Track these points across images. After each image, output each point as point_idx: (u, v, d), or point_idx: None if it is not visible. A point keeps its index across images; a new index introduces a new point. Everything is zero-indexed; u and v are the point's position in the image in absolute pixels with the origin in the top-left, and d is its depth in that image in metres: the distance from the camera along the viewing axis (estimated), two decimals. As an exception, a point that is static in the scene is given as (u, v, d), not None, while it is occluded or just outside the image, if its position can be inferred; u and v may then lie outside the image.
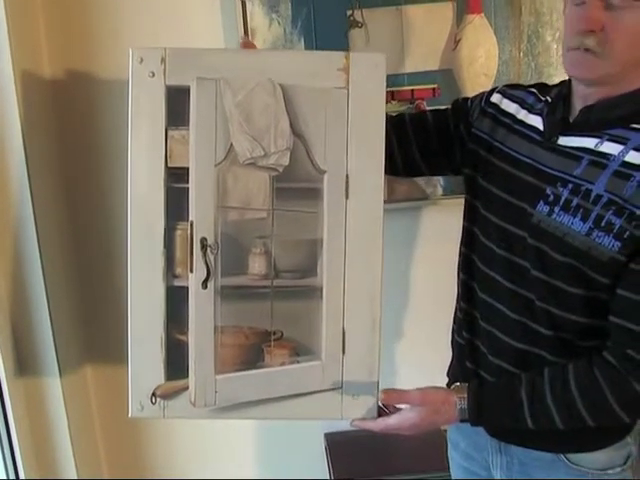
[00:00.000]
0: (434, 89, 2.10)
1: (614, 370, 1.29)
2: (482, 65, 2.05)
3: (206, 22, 2.02)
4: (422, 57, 2.10)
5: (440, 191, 2.18)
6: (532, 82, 1.78)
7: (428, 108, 1.93)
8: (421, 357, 1.60)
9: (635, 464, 1.48)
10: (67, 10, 2.00)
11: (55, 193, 2.08)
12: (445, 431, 1.74)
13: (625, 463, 1.47)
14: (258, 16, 2.01)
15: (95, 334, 2.22)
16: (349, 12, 2.05)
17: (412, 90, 2.10)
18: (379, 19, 2.06)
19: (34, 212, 1.86)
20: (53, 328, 1.92)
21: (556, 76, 2.01)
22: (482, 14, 2.04)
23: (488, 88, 1.62)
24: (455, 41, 2.07)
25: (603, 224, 1.27)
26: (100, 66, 2.04)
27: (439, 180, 2.16)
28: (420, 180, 2.16)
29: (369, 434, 2.30)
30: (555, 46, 2.08)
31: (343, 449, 2.33)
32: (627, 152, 1.28)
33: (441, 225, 2.18)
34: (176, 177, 1.33)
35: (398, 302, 2.29)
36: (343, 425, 2.35)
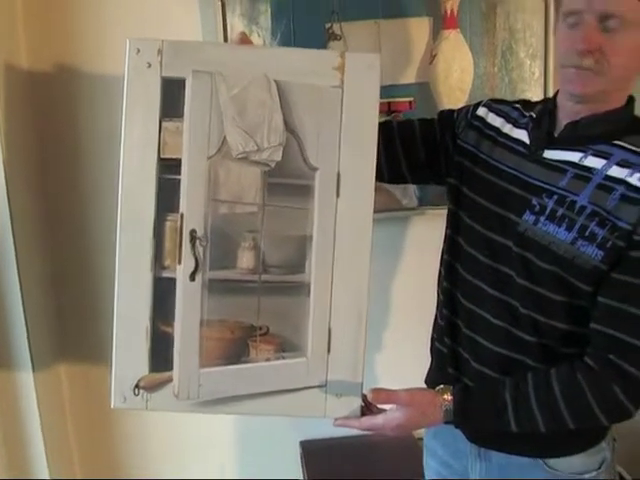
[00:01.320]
0: (410, 102, 2.14)
1: (596, 374, 1.32)
2: (457, 79, 2.10)
3: (187, 33, 2.04)
4: (399, 70, 2.15)
5: (416, 202, 2.21)
6: (506, 96, 1.84)
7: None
8: (401, 365, 1.62)
9: (609, 469, 1.51)
10: (46, 4, 2.00)
11: (32, 187, 2.07)
12: (420, 439, 1.75)
13: (600, 467, 1.50)
14: (238, 28, 2.04)
15: (70, 330, 2.19)
16: (328, 25, 2.09)
17: (389, 102, 2.14)
18: (357, 32, 2.10)
19: (9, 204, 1.85)
20: (27, 323, 1.89)
21: (529, 91, 2.08)
22: (458, 30, 2.10)
23: (463, 102, 1.66)
24: (431, 55, 2.12)
25: (587, 234, 1.31)
26: (80, 60, 2.04)
27: (415, 191, 2.19)
28: (396, 191, 2.18)
29: (344, 442, 2.32)
30: (528, 62, 2.14)
31: (318, 457, 2.34)
32: (610, 166, 1.33)
33: (419, 235, 2.22)
34: (168, 168, 1.33)
35: (378, 311, 2.32)
36: (318, 433, 2.38)
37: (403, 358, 1.73)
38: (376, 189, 2.11)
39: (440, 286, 1.62)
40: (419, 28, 2.13)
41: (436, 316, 1.65)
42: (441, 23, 2.10)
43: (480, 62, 2.15)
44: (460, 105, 1.69)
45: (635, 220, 1.27)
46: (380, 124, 1.58)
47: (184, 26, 2.05)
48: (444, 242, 1.61)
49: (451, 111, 1.65)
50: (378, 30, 2.11)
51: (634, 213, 1.27)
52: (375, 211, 2.14)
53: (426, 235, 1.65)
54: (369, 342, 2.23)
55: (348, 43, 2.08)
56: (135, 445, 2.33)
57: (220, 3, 2.02)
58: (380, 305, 2.32)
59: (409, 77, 2.15)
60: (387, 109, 2.12)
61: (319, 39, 2.08)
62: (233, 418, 2.38)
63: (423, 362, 1.67)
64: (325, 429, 2.36)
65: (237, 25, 2.03)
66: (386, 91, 2.12)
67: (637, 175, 1.30)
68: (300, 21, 2.07)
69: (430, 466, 1.72)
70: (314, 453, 2.35)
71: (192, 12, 2.07)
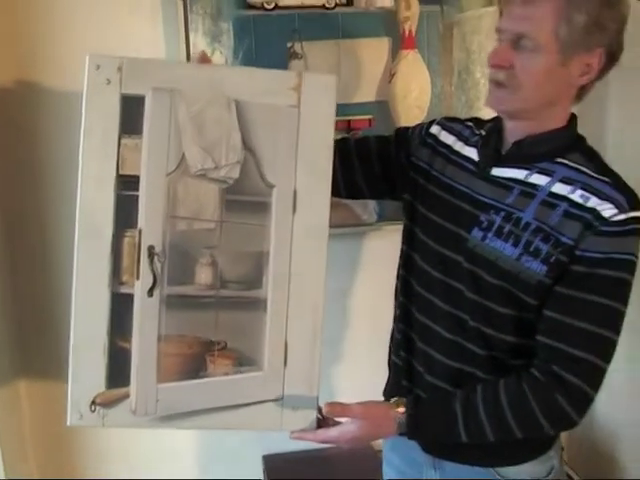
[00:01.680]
0: (370, 120, 2.18)
1: (541, 385, 1.36)
2: (416, 98, 2.15)
3: (150, 51, 2.06)
4: (359, 89, 2.19)
5: (375, 218, 2.25)
6: (463, 115, 1.88)
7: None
8: (360, 378, 1.65)
9: (557, 476, 1.55)
10: (6, 19, 2.01)
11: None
12: (380, 451, 1.77)
13: (548, 475, 1.53)
14: (201, 46, 2.06)
15: (30, 346, 2.18)
16: (289, 44, 2.12)
17: (349, 120, 2.17)
18: (318, 52, 2.14)
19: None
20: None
21: (485, 109, 2.10)
22: (416, 50, 2.15)
23: (421, 120, 1.70)
24: (390, 75, 2.16)
25: (532, 249, 1.35)
26: (40, 75, 2.05)
27: (375, 207, 2.22)
28: (356, 207, 2.21)
29: (307, 456, 2.33)
30: (483, 81, 2.19)
31: (281, 471, 2.36)
32: (553, 184, 1.37)
33: (379, 250, 2.25)
34: (127, 184, 1.33)
35: (338, 325, 2.34)
36: (281, 447, 2.38)
37: (362, 371, 1.75)
38: (337, 205, 2.18)
39: (396, 300, 1.65)
40: (378, 48, 2.18)
41: (393, 330, 1.68)
42: (400, 43, 2.15)
43: (437, 81, 2.20)
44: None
45: (577, 236, 1.32)
46: (338, 141, 1.62)
47: (148, 44, 2.07)
48: (400, 257, 1.63)
49: (406, 129, 1.68)
50: (338, 50, 2.16)
51: (576, 229, 1.32)
52: (336, 226, 2.17)
53: (386, 250, 1.68)
54: (329, 356, 2.27)
55: (309, 62, 2.12)
56: (96, 462, 2.32)
57: (183, 22, 2.04)
58: (339, 319, 2.34)
59: (369, 95, 2.19)
60: (347, 126, 2.15)
61: (281, 58, 2.11)
62: (195, 433, 2.38)
63: (382, 375, 1.69)
64: (288, 443, 2.32)
65: (200, 43, 2.05)
66: (346, 109, 2.16)
67: (579, 192, 1.34)
68: (262, 40, 2.10)
69: (388, 477, 1.74)
70: (277, 467, 2.37)
71: (156, 30, 2.09)
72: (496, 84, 1.36)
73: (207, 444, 2.39)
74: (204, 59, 1.47)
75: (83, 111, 1.32)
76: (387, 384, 1.70)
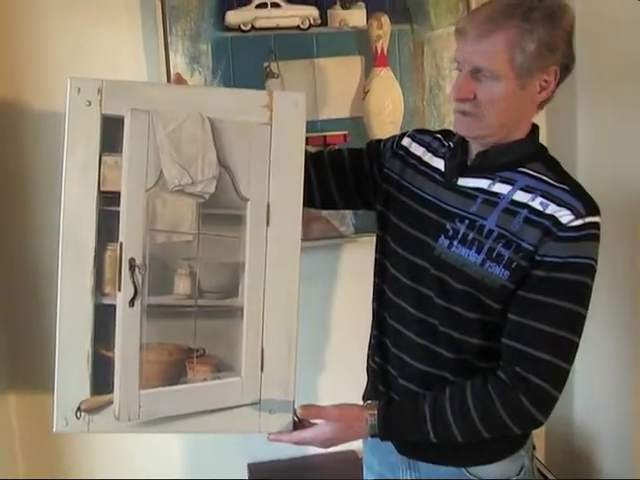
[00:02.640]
0: (345, 135, 2.24)
1: (505, 386, 1.41)
2: (389, 114, 2.21)
3: (131, 72, 2.11)
4: (334, 106, 2.25)
5: (353, 229, 2.31)
6: (436, 129, 1.94)
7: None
8: (341, 384, 1.69)
9: (527, 474, 1.60)
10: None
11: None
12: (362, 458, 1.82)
13: (519, 473, 1.59)
14: (180, 66, 2.11)
15: (18, 354, 2.21)
16: (266, 64, 2.18)
17: (325, 136, 2.23)
18: (293, 70, 2.20)
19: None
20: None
21: (456, 122, 2.18)
22: (388, 67, 2.22)
23: (395, 134, 1.76)
24: (364, 92, 2.23)
25: (494, 255, 1.42)
26: (25, 97, 2.10)
27: (352, 219, 2.28)
28: (334, 219, 2.27)
29: (291, 464, 2.36)
30: (453, 97, 2.25)
31: (266, 479, 2.38)
32: (515, 192, 1.44)
33: (355, 261, 2.30)
34: (108, 200, 1.39)
35: (318, 334, 2.40)
36: (266, 455, 2.41)
37: (343, 379, 1.80)
38: (316, 218, 2.25)
39: (372, 307, 1.71)
40: (352, 66, 2.24)
41: (370, 336, 1.73)
42: (372, 61, 2.21)
43: (410, 97, 2.26)
44: (392, 137, 1.78)
45: (537, 241, 1.38)
46: (312, 154, 1.68)
47: (129, 65, 2.12)
48: (374, 266, 1.69)
49: (378, 141, 1.75)
50: (313, 68, 2.22)
51: (536, 235, 1.38)
52: (315, 238, 2.26)
53: (363, 260, 1.72)
54: (309, 365, 2.31)
55: (285, 81, 2.17)
56: (84, 471, 2.34)
57: (163, 43, 2.09)
58: (319, 328, 2.39)
59: (343, 112, 2.25)
60: (323, 142, 2.21)
61: (257, 77, 2.16)
62: (180, 442, 2.41)
63: (362, 381, 1.75)
64: (272, 451, 2.42)
65: (180, 64, 2.11)
66: (322, 125, 2.23)
67: (539, 199, 1.40)
68: (239, 60, 2.16)
69: (367, 479, 1.79)
70: (261, 476, 2.39)
71: (137, 52, 2.14)
72: (462, 113, 1.43)
73: (192, 453, 2.42)
74: (179, 80, 1.53)
75: (65, 131, 1.38)
76: (365, 389, 1.75)
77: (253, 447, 2.41)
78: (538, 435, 2.55)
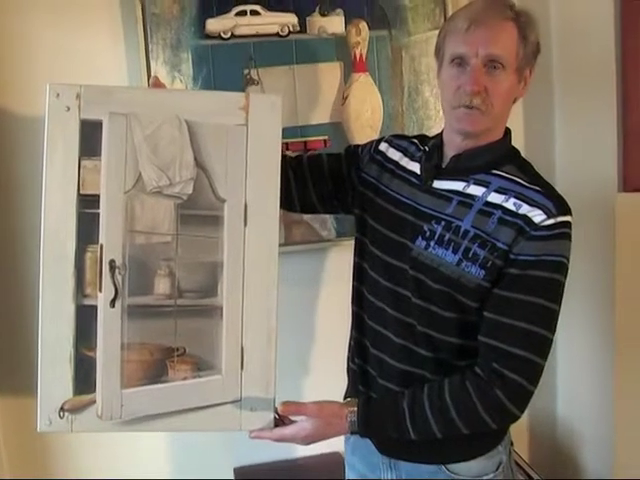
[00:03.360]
0: (325, 140, 2.26)
1: (482, 382, 1.44)
2: (368, 119, 2.24)
3: (112, 80, 2.10)
4: (313, 111, 2.27)
5: (334, 234, 2.33)
6: (414, 133, 1.97)
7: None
8: (325, 386, 1.70)
9: (505, 470, 1.63)
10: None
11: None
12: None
13: (497, 469, 1.61)
14: (161, 74, 2.12)
15: (2, 354, 2.22)
16: (246, 71, 2.20)
17: (305, 141, 2.25)
18: (273, 77, 2.22)
19: None
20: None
21: (434, 127, 2.21)
22: (367, 73, 2.25)
23: (374, 139, 1.79)
24: (343, 97, 2.25)
25: (470, 255, 1.45)
26: (7, 103, 2.11)
27: (333, 223, 2.31)
28: (315, 223, 2.29)
29: (278, 467, 2.36)
30: (433, 101, 2.28)
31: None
32: (489, 193, 1.47)
33: (337, 264, 2.33)
34: (88, 203, 1.41)
35: (300, 337, 2.41)
36: (252, 459, 2.41)
37: (327, 381, 1.81)
38: (297, 222, 2.27)
39: (351, 309, 1.73)
40: (331, 72, 2.26)
41: (350, 338, 1.76)
42: (351, 67, 2.24)
43: (389, 102, 2.28)
44: (371, 142, 1.81)
45: (511, 241, 1.41)
46: (292, 158, 1.71)
47: (111, 73, 2.13)
48: (353, 269, 1.72)
49: (356, 146, 1.78)
50: (293, 75, 2.24)
51: (510, 234, 1.41)
52: (297, 243, 2.29)
53: (345, 263, 1.74)
54: (293, 368, 2.32)
55: (265, 87, 2.19)
56: (70, 472, 2.34)
57: (144, 51, 2.11)
58: (303, 331, 2.41)
59: (323, 117, 2.27)
60: (303, 147, 2.23)
61: (238, 84, 2.18)
62: (166, 444, 2.41)
63: (340, 380, 1.77)
64: (258, 455, 2.42)
65: (160, 72, 2.12)
66: (302, 131, 2.25)
67: (512, 200, 1.44)
68: (220, 68, 2.18)
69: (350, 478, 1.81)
70: (247, 478, 2.39)
71: (118, 60, 2.16)
72: (469, 107, 1.44)
73: (178, 456, 2.42)
74: (157, 84, 1.56)
75: (45, 136, 1.40)
76: (346, 390, 1.77)
77: (239, 450, 2.42)
78: (521, 433, 2.59)
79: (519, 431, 2.58)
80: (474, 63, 1.42)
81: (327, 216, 2.28)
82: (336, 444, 1.71)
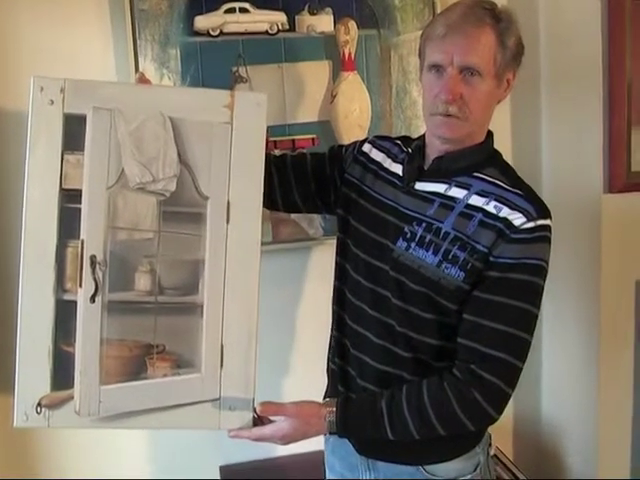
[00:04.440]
0: (313, 139, 2.26)
1: (460, 383, 1.44)
2: (356, 117, 2.25)
3: (100, 76, 2.07)
4: (302, 110, 2.27)
5: (321, 232, 2.33)
6: (402, 132, 1.97)
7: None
8: (308, 386, 1.70)
9: (483, 471, 1.63)
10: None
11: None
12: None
13: (475, 470, 1.62)
14: (150, 71, 2.11)
15: None
16: (234, 68, 2.20)
17: (293, 140, 2.25)
18: (262, 75, 2.22)
19: None
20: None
21: (422, 127, 2.18)
22: (355, 72, 2.25)
23: (362, 138, 1.79)
24: (332, 96, 2.26)
25: (450, 257, 1.45)
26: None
27: (320, 222, 2.31)
28: (303, 222, 2.30)
29: (264, 466, 2.36)
30: (421, 100, 2.24)
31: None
32: (470, 196, 1.48)
33: (324, 263, 2.28)
34: (70, 198, 1.41)
35: (285, 336, 2.41)
36: (238, 457, 2.41)
37: (311, 381, 1.81)
38: (285, 221, 2.27)
39: (332, 309, 1.73)
40: (320, 71, 2.26)
41: (330, 338, 1.76)
42: (340, 66, 2.25)
43: (377, 101, 2.29)
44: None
45: (491, 243, 1.42)
46: (276, 157, 1.71)
47: (99, 70, 2.13)
48: (334, 268, 1.72)
49: (340, 147, 1.78)
50: (282, 73, 2.24)
51: (490, 237, 1.42)
52: (284, 241, 2.29)
53: (332, 262, 1.75)
54: (276, 366, 2.32)
55: (253, 85, 2.19)
56: (53, 472, 2.33)
57: (132, 48, 2.11)
58: (289, 330, 2.41)
59: (311, 116, 2.28)
60: (291, 146, 2.23)
61: (226, 82, 2.18)
62: (152, 443, 2.41)
63: (321, 380, 1.78)
64: (245, 453, 2.42)
65: (149, 69, 2.12)
66: (290, 129, 2.26)
67: (493, 203, 1.45)
68: (208, 65, 2.18)
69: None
70: (234, 478, 2.40)
71: (106, 56, 2.15)
72: (446, 115, 1.45)
73: (164, 454, 2.41)
74: (142, 80, 1.56)
75: (28, 130, 1.39)
76: (326, 391, 1.78)
77: (225, 449, 2.41)
78: (506, 432, 2.60)
79: (504, 430, 2.60)
80: (450, 72, 1.43)
81: (315, 215, 2.28)
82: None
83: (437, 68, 1.45)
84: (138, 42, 2.11)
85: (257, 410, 1.49)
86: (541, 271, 1.44)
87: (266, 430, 1.50)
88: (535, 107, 2.41)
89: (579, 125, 2.24)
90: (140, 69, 2.10)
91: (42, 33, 2.08)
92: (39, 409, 1.43)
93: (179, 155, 1.44)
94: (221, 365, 1.49)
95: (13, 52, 2.08)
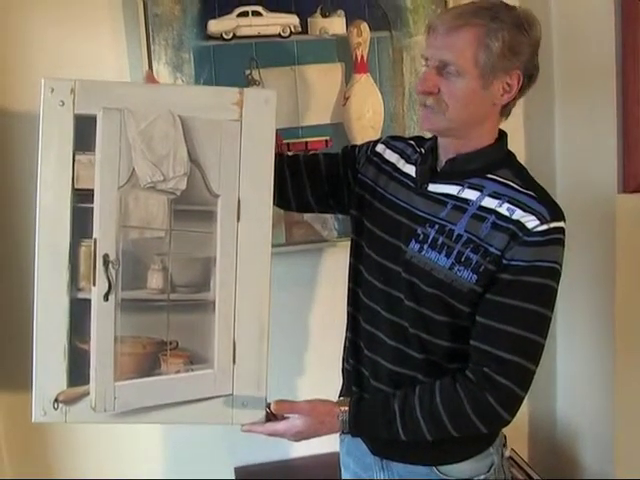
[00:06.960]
0: (326, 141, 2.27)
1: (473, 386, 1.45)
2: (369, 119, 2.25)
3: (115, 80, 2.11)
4: (315, 112, 2.28)
5: (335, 234, 2.33)
6: (415, 133, 1.97)
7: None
8: (322, 386, 1.71)
9: (497, 471, 1.63)
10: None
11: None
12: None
13: (489, 471, 1.61)
14: (163, 75, 2.14)
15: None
16: (247, 71, 2.21)
17: (306, 142, 2.26)
18: (275, 78, 2.23)
19: None
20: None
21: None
22: (368, 74, 2.25)
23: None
24: (344, 98, 2.26)
25: (463, 259, 1.45)
26: (8, 103, 2.13)
27: (334, 224, 2.32)
28: (316, 224, 2.31)
29: (279, 467, 2.35)
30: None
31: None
32: (483, 198, 1.48)
33: (338, 264, 2.28)
34: (82, 198, 1.43)
35: (301, 336, 2.42)
36: (253, 459, 2.41)
37: (327, 381, 1.82)
38: (298, 222, 2.28)
39: (347, 311, 1.74)
40: (332, 73, 2.27)
41: (345, 339, 1.77)
42: (352, 68, 2.25)
43: (390, 102, 2.29)
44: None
45: (504, 246, 1.41)
46: (289, 157, 1.72)
47: (112, 74, 2.14)
48: (348, 270, 1.72)
49: (353, 147, 1.79)
50: (294, 75, 2.25)
51: (503, 239, 1.41)
52: (297, 242, 2.29)
53: (345, 264, 1.75)
54: (292, 367, 2.32)
55: (266, 88, 2.20)
56: (69, 471, 2.35)
57: (146, 52, 2.13)
58: (303, 331, 2.41)
59: (325, 118, 2.29)
60: (304, 148, 2.23)
61: (239, 85, 2.17)
62: (167, 443, 2.42)
63: (336, 381, 1.79)
64: (259, 455, 2.43)
65: (162, 73, 2.14)
66: (303, 131, 2.27)
67: (506, 205, 1.44)
68: (221, 68, 2.19)
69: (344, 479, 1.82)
70: (249, 479, 2.40)
71: (120, 60, 2.17)
72: (425, 106, 1.47)
73: (179, 455, 2.43)
74: (151, 79, 1.57)
75: (40, 131, 1.42)
76: (340, 391, 1.78)
77: (240, 450, 2.42)
78: (521, 433, 2.59)
79: (519, 432, 2.58)
80: (431, 65, 1.44)
81: (328, 216, 2.29)
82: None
83: (425, 61, 1.47)
84: (152, 47, 2.14)
85: (271, 408, 1.50)
86: (554, 274, 1.43)
87: (279, 426, 1.51)
88: (548, 108, 2.40)
89: (593, 125, 2.23)
90: (155, 74, 2.12)
91: (57, 39, 2.11)
92: (56, 405, 1.46)
93: (189, 153, 1.45)
94: (233, 361, 1.50)
95: (28, 57, 2.10)
